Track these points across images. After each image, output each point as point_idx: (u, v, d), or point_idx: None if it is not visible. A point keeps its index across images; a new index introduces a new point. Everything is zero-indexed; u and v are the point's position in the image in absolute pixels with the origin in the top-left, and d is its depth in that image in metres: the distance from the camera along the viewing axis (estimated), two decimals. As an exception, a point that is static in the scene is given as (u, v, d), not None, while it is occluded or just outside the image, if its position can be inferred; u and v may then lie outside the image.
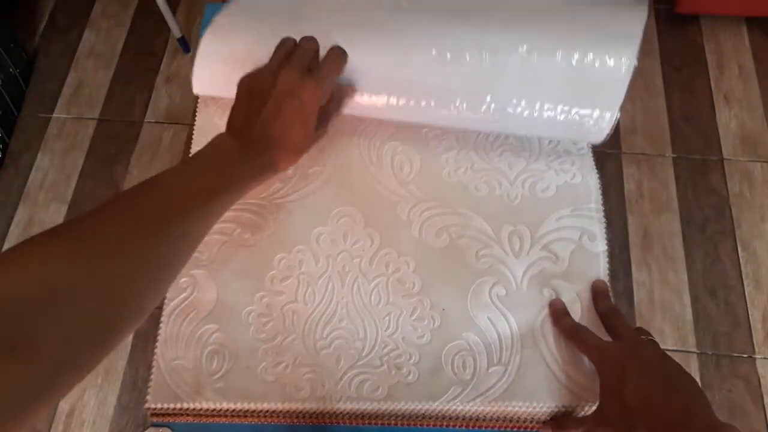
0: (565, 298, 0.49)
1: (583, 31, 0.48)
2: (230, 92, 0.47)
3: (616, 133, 1.26)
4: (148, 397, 0.47)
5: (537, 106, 0.49)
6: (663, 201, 1.17)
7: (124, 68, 1.36)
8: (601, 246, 0.51)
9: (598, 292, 0.49)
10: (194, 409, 0.47)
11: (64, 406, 1.02)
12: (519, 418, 0.46)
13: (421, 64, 0.49)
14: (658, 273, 1.11)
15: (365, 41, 0.50)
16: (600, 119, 0.50)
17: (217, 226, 0.53)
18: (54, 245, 0.32)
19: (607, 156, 1.22)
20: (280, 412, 0.47)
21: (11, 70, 1.27)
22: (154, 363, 0.48)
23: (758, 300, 1.08)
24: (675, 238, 1.14)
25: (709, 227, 1.15)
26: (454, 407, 0.46)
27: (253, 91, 0.46)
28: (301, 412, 0.47)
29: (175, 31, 1.29)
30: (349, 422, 0.47)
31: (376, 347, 0.48)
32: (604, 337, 0.46)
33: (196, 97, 0.60)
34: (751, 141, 1.23)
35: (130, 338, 1.06)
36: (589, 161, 0.55)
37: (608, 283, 0.50)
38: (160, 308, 0.50)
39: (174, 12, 1.26)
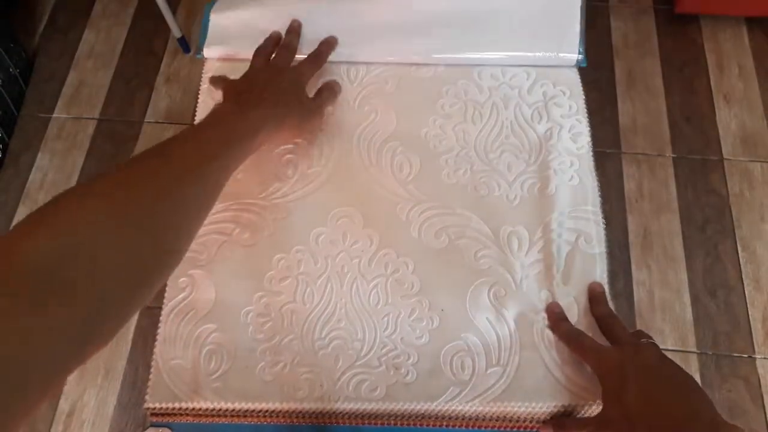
0: (563, 301, 0.49)
1: None
2: (241, 50, 0.58)
3: (615, 132, 1.26)
4: (147, 397, 0.47)
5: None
6: (663, 201, 1.17)
7: (124, 68, 1.36)
8: (598, 248, 0.51)
9: (594, 296, 0.49)
10: (193, 408, 0.47)
11: (64, 405, 1.02)
12: (518, 418, 0.46)
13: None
14: (658, 273, 1.11)
15: None
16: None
17: (215, 226, 0.53)
18: (87, 198, 0.33)
19: (607, 156, 1.22)
20: (279, 411, 0.47)
21: (11, 69, 1.27)
22: (152, 363, 0.48)
23: (758, 300, 1.08)
24: (675, 238, 1.14)
25: (709, 227, 1.15)
26: (453, 407, 0.46)
27: (241, 84, 0.52)
28: (299, 412, 0.47)
29: (175, 31, 1.29)
30: (347, 422, 0.47)
31: (374, 347, 0.48)
32: (602, 342, 0.46)
33: (196, 97, 0.60)
34: (751, 141, 1.23)
35: (130, 337, 1.06)
36: (588, 163, 0.55)
37: (606, 286, 0.50)
38: (159, 308, 0.50)
39: (174, 12, 1.26)
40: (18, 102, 1.30)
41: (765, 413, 1.00)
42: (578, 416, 0.46)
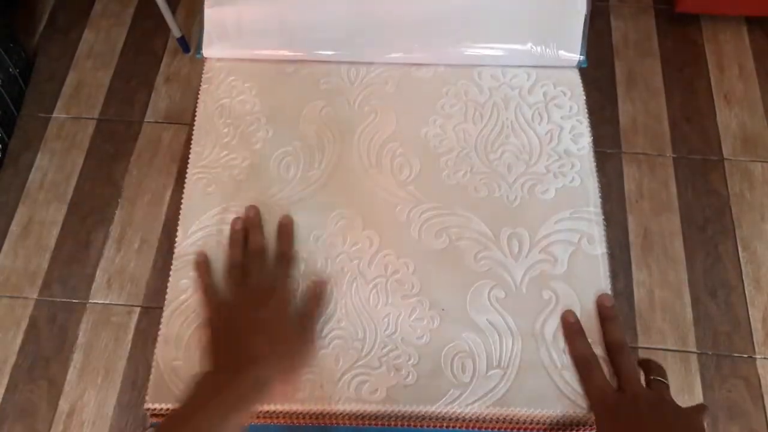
0: (565, 302, 0.49)
1: None
2: (241, 49, 0.57)
3: (616, 132, 1.26)
4: (148, 398, 0.47)
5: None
6: (663, 201, 1.17)
7: (124, 68, 1.36)
8: (600, 249, 0.51)
9: (606, 318, 0.48)
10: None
11: (63, 406, 1.02)
12: (518, 420, 0.46)
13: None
14: (658, 273, 1.11)
15: None
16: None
17: (216, 227, 0.53)
18: None
19: (608, 156, 1.22)
20: (279, 412, 0.47)
21: (11, 69, 1.27)
22: (153, 363, 0.48)
23: (758, 300, 1.08)
24: (675, 238, 1.14)
25: (709, 227, 1.15)
26: (453, 410, 0.46)
27: (219, 325, 0.44)
28: (300, 412, 0.47)
29: (175, 31, 1.29)
30: (348, 423, 0.47)
31: (375, 348, 0.48)
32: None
33: (196, 97, 0.60)
34: (752, 141, 1.23)
35: (130, 338, 1.07)
36: (589, 164, 0.55)
37: (608, 286, 0.50)
38: (159, 308, 0.50)
39: (174, 12, 1.26)
40: (18, 102, 1.30)
41: (765, 413, 1.00)
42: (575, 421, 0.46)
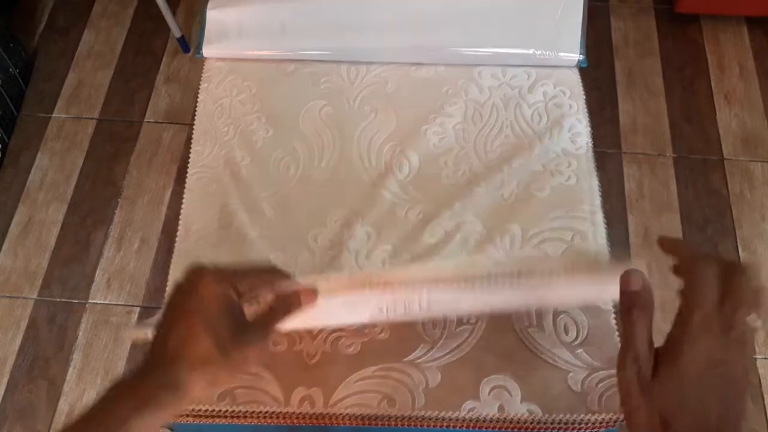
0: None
1: None
2: (241, 49, 0.56)
3: (616, 132, 1.26)
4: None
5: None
6: (663, 201, 1.17)
7: (124, 68, 1.36)
8: (594, 246, 0.51)
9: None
10: (193, 409, 0.47)
11: (63, 406, 1.02)
12: (518, 420, 0.46)
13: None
14: (658, 273, 1.10)
15: None
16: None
17: (216, 226, 0.53)
18: None
19: (608, 156, 1.22)
20: (280, 413, 0.47)
21: (11, 70, 1.27)
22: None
23: (758, 300, 1.08)
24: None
25: (709, 227, 1.15)
26: (453, 411, 0.46)
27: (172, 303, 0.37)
28: (300, 413, 0.46)
29: (175, 31, 1.29)
30: (348, 423, 0.47)
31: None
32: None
33: (196, 97, 0.60)
34: (752, 141, 1.23)
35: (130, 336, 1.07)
36: (587, 163, 0.55)
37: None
38: (160, 308, 0.50)
39: (174, 12, 1.26)
40: (18, 102, 1.30)
41: (765, 413, 1.00)
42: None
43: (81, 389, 1.03)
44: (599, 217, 0.53)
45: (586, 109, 0.58)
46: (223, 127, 0.58)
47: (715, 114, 1.26)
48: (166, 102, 1.31)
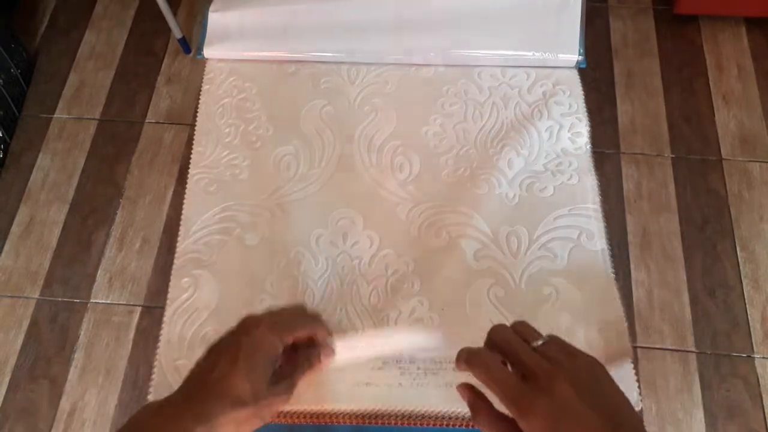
0: (565, 297, 0.49)
1: None
2: (242, 50, 0.57)
3: (615, 133, 1.26)
4: (150, 397, 0.47)
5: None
6: (662, 201, 1.18)
7: (125, 69, 1.36)
8: (600, 244, 0.52)
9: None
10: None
11: (65, 405, 1.02)
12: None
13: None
14: (657, 273, 1.11)
15: None
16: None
17: (218, 227, 0.53)
18: None
19: (606, 156, 1.22)
20: (280, 412, 0.47)
21: (12, 70, 1.27)
22: (155, 363, 0.48)
23: (757, 300, 1.09)
24: (674, 238, 1.14)
25: (708, 227, 1.15)
26: (454, 409, 0.46)
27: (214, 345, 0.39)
28: (301, 412, 0.47)
29: (176, 32, 1.29)
30: (348, 422, 0.47)
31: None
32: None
33: (197, 98, 0.61)
34: (750, 141, 1.23)
35: (131, 337, 1.07)
36: (587, 162, 0.56)
37: (612, 282, 0.49)
38: (161, 308, 0.50)
39: (174, 13, 1.26)
40: (19, 102, 1.30)
41: (764, 413, 1.01)
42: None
43: (82, 388, 1.04)
44: (600, 215, 0.53)
45: (585, 109, 0.59)
46: (224, 128, 0.59)
47: (714, 114, 1.26)
48: (167, 102, 1.31)
